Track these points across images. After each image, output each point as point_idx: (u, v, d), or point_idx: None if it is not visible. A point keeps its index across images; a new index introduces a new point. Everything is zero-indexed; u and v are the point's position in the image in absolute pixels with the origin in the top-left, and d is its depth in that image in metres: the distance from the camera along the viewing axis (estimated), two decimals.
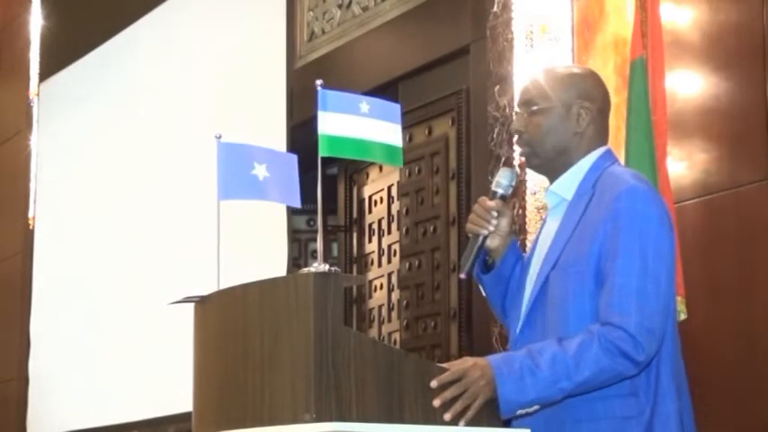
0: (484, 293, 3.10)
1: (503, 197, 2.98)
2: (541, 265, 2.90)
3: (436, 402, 2.61)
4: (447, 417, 2.61)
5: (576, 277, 2.80)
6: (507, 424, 2.72)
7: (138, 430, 7.14)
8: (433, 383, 2.62)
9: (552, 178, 2.98)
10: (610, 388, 2.75)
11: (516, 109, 3.03)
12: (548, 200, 3.00)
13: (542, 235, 2.99)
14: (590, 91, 2.96)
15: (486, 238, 2.95)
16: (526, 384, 2.67)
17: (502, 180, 2.99)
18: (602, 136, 2.98)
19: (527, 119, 2.95)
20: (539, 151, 2.94)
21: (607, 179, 2.89)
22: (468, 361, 2.70)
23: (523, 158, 3.01)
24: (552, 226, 2.95)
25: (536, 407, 2.71)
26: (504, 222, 2.97)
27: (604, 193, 2.85)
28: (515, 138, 3.02)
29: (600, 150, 2.95)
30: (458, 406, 2.62)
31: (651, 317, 2.73)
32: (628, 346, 2.69)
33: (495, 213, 2.95)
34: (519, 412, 2.71)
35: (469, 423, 2.63)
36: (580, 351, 2.69)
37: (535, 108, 2.94)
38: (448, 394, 2.62)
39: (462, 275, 2.96)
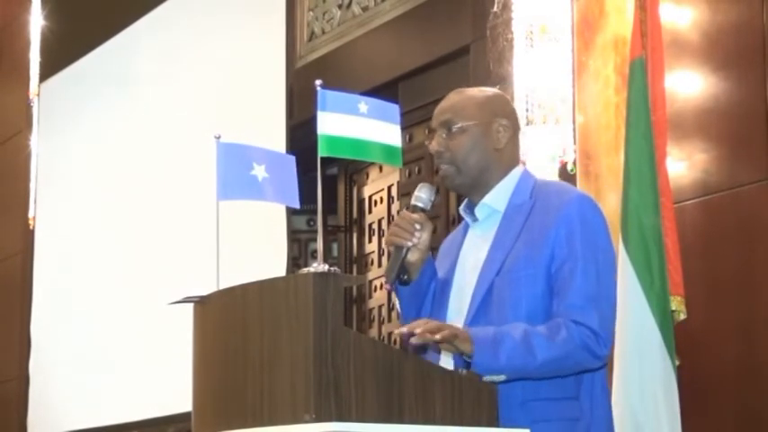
0: (398, 307, 3.12)
1: (423, 210, 3.00)
2: (480, 272, 2.94)
3: (402, 330, 2.69)
4: (417, 333, 2.66)
5: (528, 280, 2.87)
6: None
7: (138, 430, 7.15)
8: (410, 328, 2.69)
9: (472, 196, 3.03)
10: (559, 390, 2.84)
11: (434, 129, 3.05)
12: (478, 213, 3.03)
13: (465, 248, 3.03)
14: (504, 109, 3.06)
15: (408, 250, 2.97)
16: (498, 350, 2.73)
17: (421, 194, 3.00)
18: (517, 154, 3.07)
19: (447, 139, 3.00)
20: (463, 169, 2.99)
21: (548, 188, 3.01)
22: None
23: (444, 177, 3.04)
24: (480, 238, 3.00)
25: (503, 377, 2.75)
26: (425, 236, 2.99)
27: (550, 199, 2.94)
28: (436, 158, 3.04)
29: (520, 167, 3.05)
30: (430, 327, 2.68)
31: (609, 318, 2.88)
32: (591, 341, 2.80)
33: (417, 226, 2.97)
34: (485, 379, 2.75)
35: (469, 423, 2.63)
36: (551, 333, 2.78)
37: (456, 128, 2.99)
38: (427, 326, 2.69)
39: (388, 287, 3.02)
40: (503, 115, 3.02)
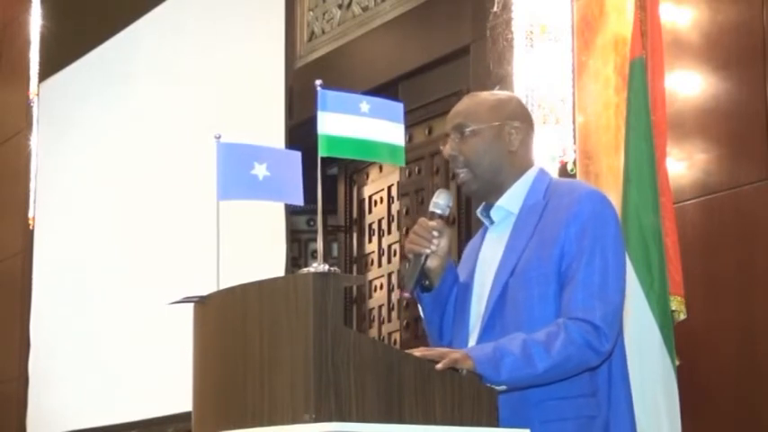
0: (422, 314, 3.12)
1: (441, 217, 3.00)
2: (495, 274, 2.94)
3: (416, 352, 2.66)
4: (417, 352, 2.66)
5: (540, 280, 2.87)
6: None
7: (138, 430, 7.15)
8: (416, 352, 2.67)
9: (488, 199, 3.04)
10: (574, 388, 2.83)
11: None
12: (494, 215, 3.03)
13: (484, 250, 3.04)
14: (517, 112, 3.05)
15: (427, 257, 2.97)
16: (499, 365, 2.72)
17: (439, 201, 3.01)
18: (531, 155, 3.06)
19: (460, 143, 3.00)
20: (477, 172, 2.99)
21: (561, 187, 3.00)
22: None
23: (462, 183, 3.04)
24: (496, 240, 3.01)
25: (503, 387, 2.74)
26: (444, 242, 2.99)
27: (562, 198, 2.93)
28: (451, 162, 3.04)
29: (536, 168, 3.05)
30: (430, 356, 2.67)
31: (613, 310, 2.84)
32: (592, 338, 2.79)
33: (435, 233, 2.97)
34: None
35: (469, 423, 2.63)
36: (549, 340, 2.77)
37: (468, 131, 2.99)
38: (429, 353, 2.68)
39: (407, 294, 3.00)
40: (514, 117, 3.02)
